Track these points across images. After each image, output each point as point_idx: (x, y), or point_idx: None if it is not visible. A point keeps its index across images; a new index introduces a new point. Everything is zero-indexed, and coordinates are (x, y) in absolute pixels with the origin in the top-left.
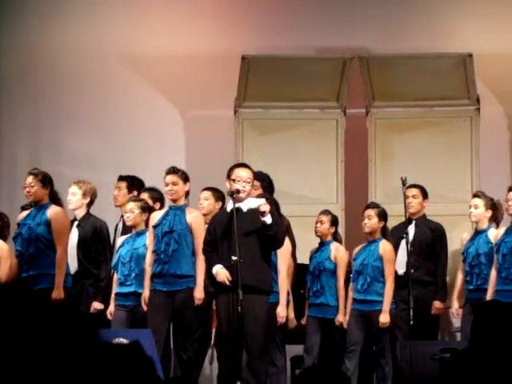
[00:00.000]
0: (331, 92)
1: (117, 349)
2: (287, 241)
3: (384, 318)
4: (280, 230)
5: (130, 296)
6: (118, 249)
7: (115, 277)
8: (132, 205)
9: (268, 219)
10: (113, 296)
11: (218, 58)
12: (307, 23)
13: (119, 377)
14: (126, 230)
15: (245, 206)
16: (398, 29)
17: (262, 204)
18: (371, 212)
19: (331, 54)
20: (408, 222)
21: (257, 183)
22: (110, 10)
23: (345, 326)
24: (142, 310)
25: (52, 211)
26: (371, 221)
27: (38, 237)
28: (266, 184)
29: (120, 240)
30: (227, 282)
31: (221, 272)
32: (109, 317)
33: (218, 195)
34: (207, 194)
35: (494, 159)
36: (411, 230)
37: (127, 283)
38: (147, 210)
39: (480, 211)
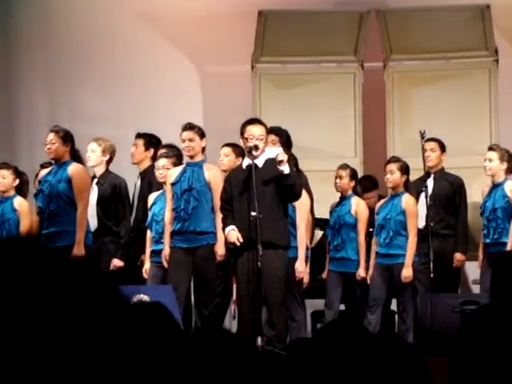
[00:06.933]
0: (348, 46)
1: (139, 307)
2: (306, 196)
3: (407, 272)
4: (298, 182)
5: None
6: (151, 207)
7: (149, 235)
8: (165, 161)
9: (286, 169)
10: (148, 253)
11: (234, 13)
12: None
13: (141, 335)
14: (154, 186)
15: (260, 161)
16: None
17: (280, 153)
18: (393, 166)
19: (348, 8)
20: (426, 175)
21: (275, 138)
22: None
23: (368, 280)
24: None
25: (73, 168)
26: (394, 175)
27: (59, 194)
28: (284, 140)
29: (152, 197)
30: (238, 244)
31: (232, 233)
32: (144, 275)
33: (239, 151)
34: (228, 150)
35: None
36: (430, 183)
37: (162, 240)
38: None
39: (494, 164)
